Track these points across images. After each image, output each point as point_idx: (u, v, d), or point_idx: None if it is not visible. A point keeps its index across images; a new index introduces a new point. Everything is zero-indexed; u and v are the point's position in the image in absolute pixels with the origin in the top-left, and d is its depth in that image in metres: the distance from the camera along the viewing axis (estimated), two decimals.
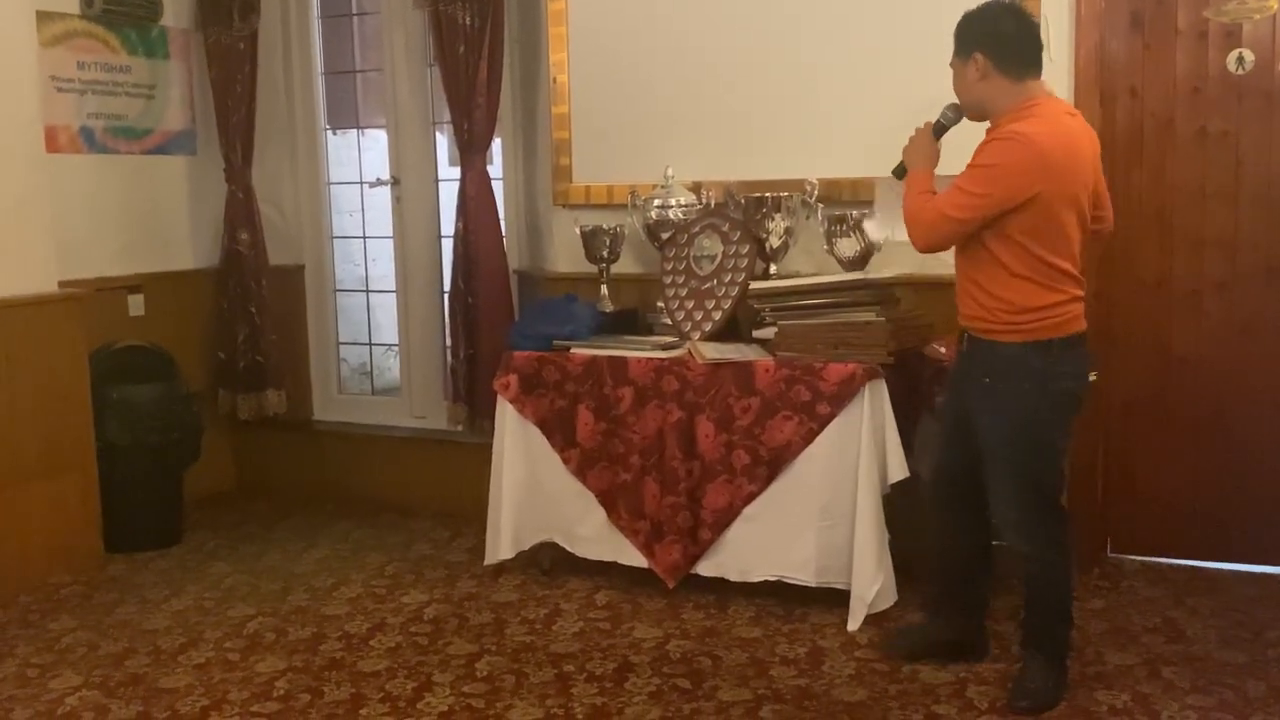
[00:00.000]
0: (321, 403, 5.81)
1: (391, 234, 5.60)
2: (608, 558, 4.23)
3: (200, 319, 5.56)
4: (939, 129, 3.37)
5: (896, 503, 3.85)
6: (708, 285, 4.25)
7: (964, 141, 3.28)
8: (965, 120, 3.34)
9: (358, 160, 5.92)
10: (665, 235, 4.43)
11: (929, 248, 3.26)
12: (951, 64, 3.26)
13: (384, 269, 5.83)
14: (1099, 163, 3.30)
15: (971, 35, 3.20)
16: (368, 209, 5.89)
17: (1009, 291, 3.16)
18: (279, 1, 5.55)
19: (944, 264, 3.50)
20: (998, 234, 3.13)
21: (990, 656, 3.56)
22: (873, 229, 4.08)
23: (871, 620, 3.80)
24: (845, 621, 3.83)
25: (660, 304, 4.39)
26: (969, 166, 3.14)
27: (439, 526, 5.08)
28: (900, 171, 3.45)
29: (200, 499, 5.35)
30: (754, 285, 4.14)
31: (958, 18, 3.29)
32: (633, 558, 4.16)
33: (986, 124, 3.27)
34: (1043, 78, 3.25)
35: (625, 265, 4.67)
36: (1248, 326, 4.20)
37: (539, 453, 4.29)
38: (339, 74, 5.90)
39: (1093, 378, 3.30)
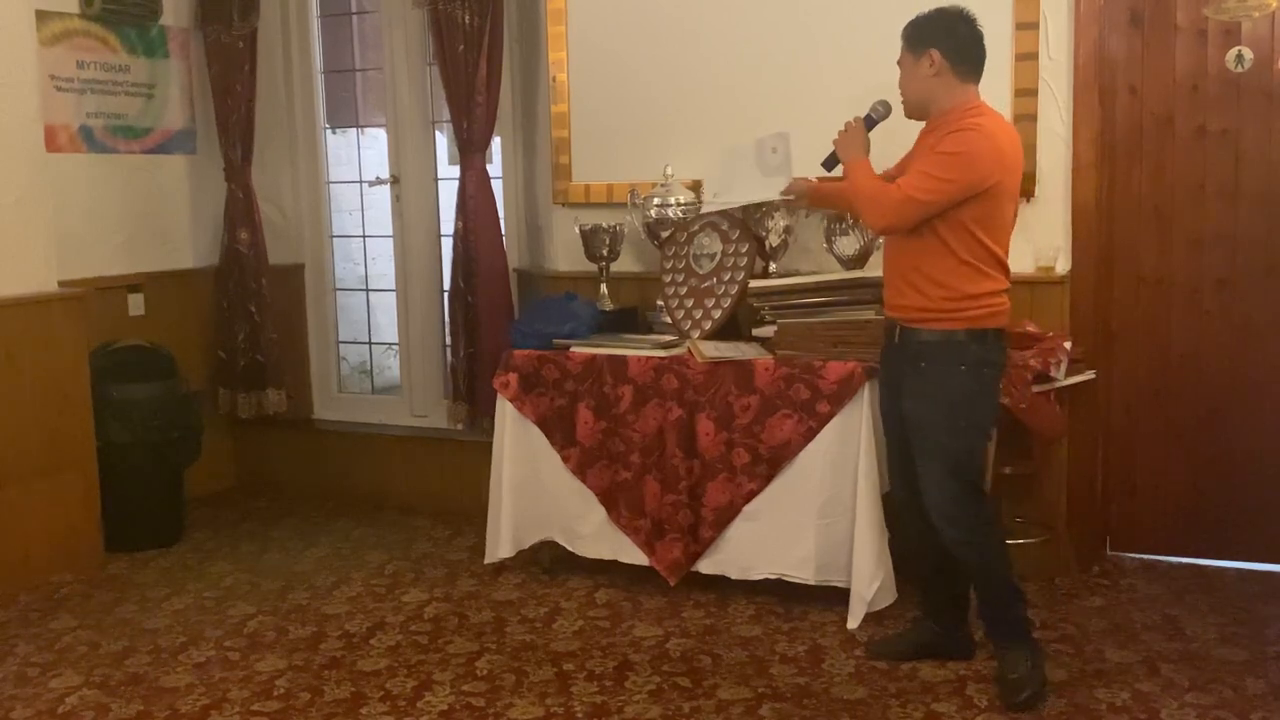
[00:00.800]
0: (321, 401, 5.81)
1: (391, 233, 5.60)
2: (608, 556, 4.23)
3: (200, 318, 5.56)
4: (869, 122, 3.54)
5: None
6: (707, 284, 4.25)
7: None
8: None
9: (357, 159, 5.92)
10: (665, 234, 4.43)
11: (888, 229, 3.37)
12: (900, 60, 3.39)
13: (384, 268, 5.83)
14: None
15: (928, 33, 3.33)
16: (367, 208, 5.89)
17: (954, 278, 3.27)
18: (279, 0, 5.55)
19: None
20: (949, 221, 3.24)
21: (979, 657, 3.56)
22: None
23: (871, 618, 3.80)
24: (845, 619, 3.84)
25: (660, 302, 4.39)
26: (934, 153, 3.24)
27: (439, 525, 5.08)
28: (831, 162, 3.60)
29: (200, 498, 5.35)
30: (753, 284, 4.14)
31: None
32: (633, 556, 4.17)
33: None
34: (981, 82, 3.37)
35: (625, 264, 4.67)
36: (1247, 324, 4.20)
37: (539, 451, 4.29)
38: (339, 73, 5.90)
39: None
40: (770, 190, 4.05)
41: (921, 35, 3.33)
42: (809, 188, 3.91)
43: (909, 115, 3.43)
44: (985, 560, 3.36)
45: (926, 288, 3.30)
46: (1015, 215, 3.40)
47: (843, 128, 3.53)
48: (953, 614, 3.58)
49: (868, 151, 3.48)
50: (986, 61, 3.36)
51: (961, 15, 3.34)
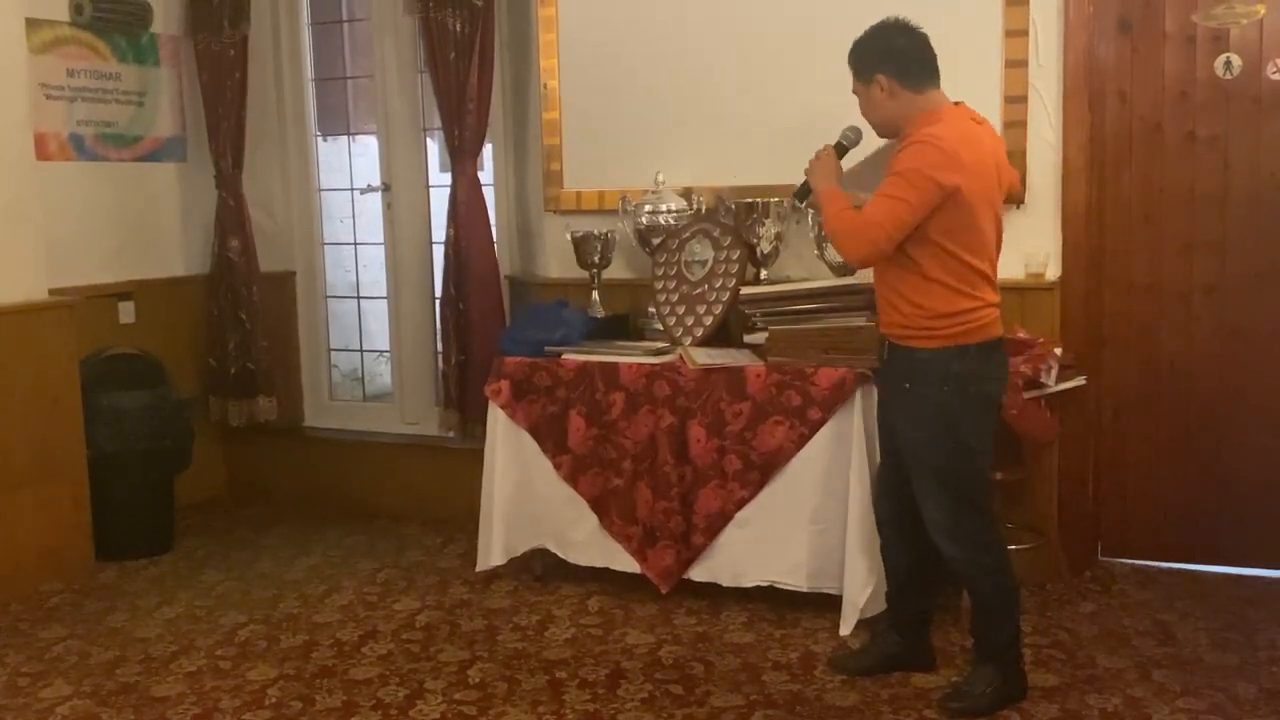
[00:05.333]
0: (313, 409, 5.80)
1: (382, 240, 5.59)
2: (600, 563, 4.23)
3: (191, 326, 5.55)
4: (840, 150, 3.51)
5: None
6: (699, 290, 4.25)
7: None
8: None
9: (348, 166, 5.91)
10: (656, 240, 4.44)
11: (864, 261, 3.32)
12: (855, 90, 3.36)
13: (375, 275, 5.82)
14: (1005, 160, 3.41)
15: (869, 58, 3.29)
16: (359, 215, 5.88)
17: (925, 297, 3.22)
18: (269, 8, 5.54)
19: None
20: (917, 238, 3.19)
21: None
22: None
23: (864, 625, 3.80)
24: (837, 626, 3.84)
25: (651, 309, 4.39)
26: (889, 174, 3.19)
27: (431, 533, 5.07)
28: (803, 193, 3.58)
29: (191, 506, 5.34)
30: (745, 290, 4.14)
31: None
32: (625, 563, 4.16)
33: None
34: (942, 87, 3.33)
35: (616, 271, 4.67)
36: (1237, 330, 4.21)
37: (531, 459, 4.29)
38: (329, 80, 5.89)
39: None
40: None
41: (863, 62, 3.30)
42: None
43: (882, 136, 3.41)
44: (978, 577, 3.32)
45: (903, 306, 3.26)
46: (999, 224, 3.30)
47: (814, 156, 3.50)
48: (917, 628, 3.57)
49: (840, 179, 3.45)
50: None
51: (896, 27, 3.29)
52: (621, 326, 4.50)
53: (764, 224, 4.27)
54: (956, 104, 3.32)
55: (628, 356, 4.15)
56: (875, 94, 3.28)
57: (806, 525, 3.87)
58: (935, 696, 3.38)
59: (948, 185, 3.13)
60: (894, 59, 3.25)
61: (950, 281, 3.19)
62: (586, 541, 4.23)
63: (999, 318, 3.30)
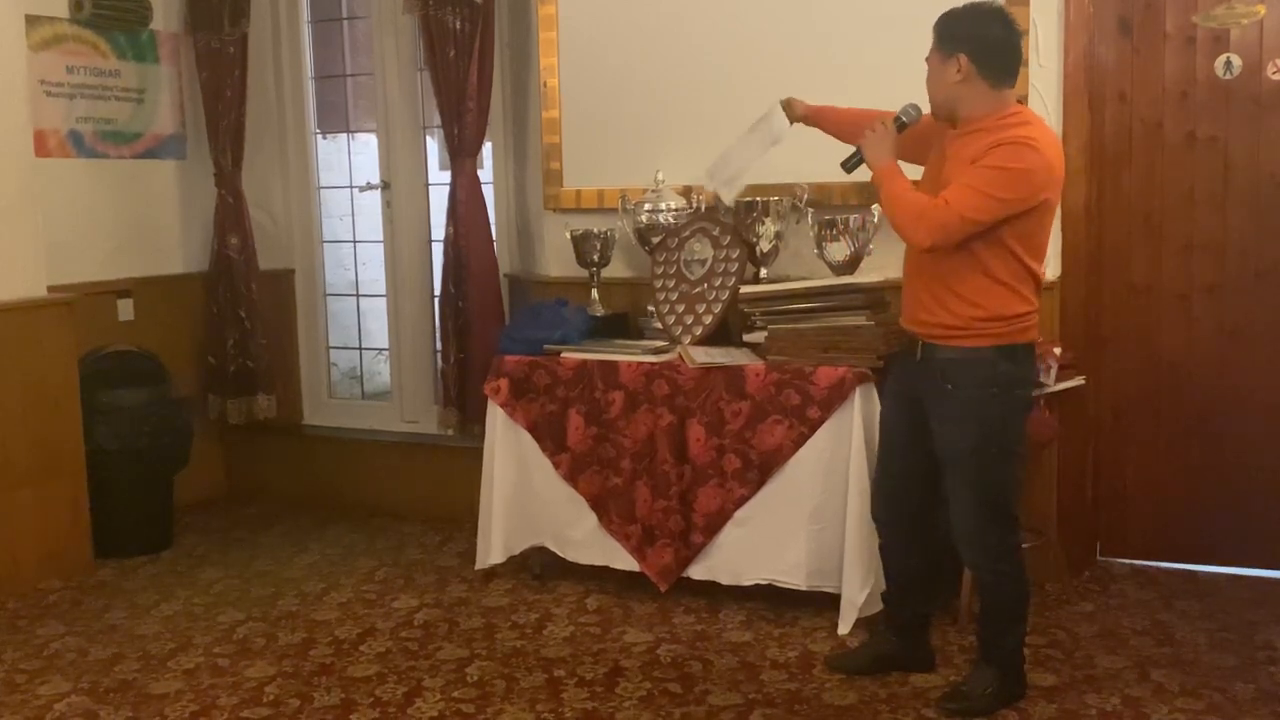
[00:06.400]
0: (312, 407, 5.80)
1: (382, 238, 5.59)
2: (598, 562, 4.23)
3: (190, 324, 5.54)
4: (900, 125, 3.33)
5: None
6: (698, 289, 4.25)
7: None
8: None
9: (348, 164, 5.91)
10: (656, 239, 4.43)
11: (935, 247, 3.14)
12: (929, 59, 3.22)
13: (374, 273, 5.82)
14: None
15: (958, 34, 3.15)
16: (358, 213, 5.88)
17: (988, 298, 3.13)
18: (269, 6, 5.54)
19: None
20: (989, 239, 3.10)
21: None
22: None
23: (862, 624, 3.80)
24: (836, 625, 3.83)
25: (651, 308, 4.39)
26: (984, 167, 3.05)
27: (430, 531, 5.07)
28: (853, 163, 3.37)
29: (190, 504, 5.33)
30: (744, 289, 4.14)
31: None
32: (624, 562, 4.16)
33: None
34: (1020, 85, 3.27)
35: (616, 269, 4.67)
36: (1236, 330, 4.21)
37: (530, 457, 4.29)
38: (329, 78, 5.89)
39: None
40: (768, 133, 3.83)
41: (951, 36, 3.14)
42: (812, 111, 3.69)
43: (935, 117, 3.26)
44: (998, 586, 3.28)
45: (956, 305, 3.15)
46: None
47: (871, 129, 3.30)
48: (916, 629, 3.56)
49: (897, 156, 3.29)
50: (1020, 65, 3.18)
51: (997, 15, 3.16)
52: (621, 325, 4.50)
53: (763, 223, 4.26)
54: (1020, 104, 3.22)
55: (627, 355, 4.15)
56: (950, 71, 3.13)
57: (805, 524, 3.87)
58: (934, 696, 3.37)
59: (1039, 197, 3.07)
60: (982, 45, 3.11)
61: (1013, 284, 3.13)
62: (585, 540, 4.23)
63: (1039, 321, 3.26)
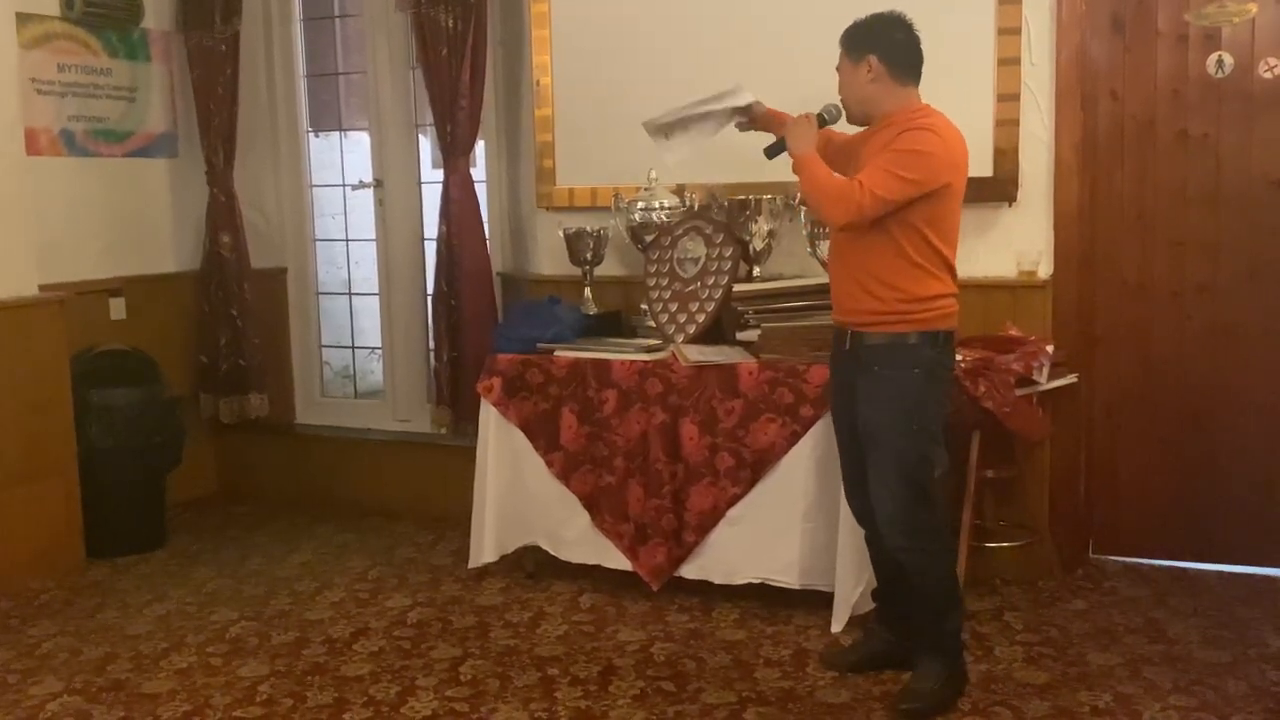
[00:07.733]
0: (304, 406, 5.79)
1: (374, 237, 5.58)
2: (592, 561, 4.22)
3: (182, 322, 5.53)
4: (820, 121, 3.52)
5: None
6: (691, 288, 4.25)
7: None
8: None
9: (340, 163, 5.90)
10: (649, 238, 4.43)
11: (850, 225, 3.30)
12: (839, 69, 3.42)
13: (367, 272, 5.82)
14: None
15: (865, 40, 3.36)
16: (350, 211, 5.88)
17: (906, 280, 3.27)
18: (261, 4, 5.53)
19: None
20: (902, 221, 3.25)
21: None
22: None
23: (855, 622, 3.80)
24: (829, 623, 3.83)
25: (644, 306, 4.39)
26: (893, 151, 3.23)
27: (422, 530, 5.06)
28: (774, 151, 3.53)
29: (182, 503, 5.33)
30: (737, 288, 4.14)
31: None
32: (617, 561, 4.16)
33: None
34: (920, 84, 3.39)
35: (609, 268, 4.67)
36: (1229, 328, 4.22)
37: (523, 456, 4.28)
38: (321, 76, 5.88)
39: None
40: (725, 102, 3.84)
41: (859, 41, 3.37)
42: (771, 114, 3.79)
43: (851, 120, 3.47)
44: (927, 567, 3.34)
45: (878, 290, 3.29)
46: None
47: (792, 121, 3.50)
48: (908, 624, 3.55)
49: (817, 147, 3.45)
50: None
51: (898, 21, 3.38)
52: (614, 324, 4.50)
53: (756, 221, 4.26)
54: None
55: (620, 354, 4.15)
56: (861, 74, 3.35)
57: (798, 523, 3.87)
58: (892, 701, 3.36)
59: (942, 179, 3.24)
60: (889, 47, 3.34)
61: (927, 266, 3.28)
62: (578, 539, 4.23)
63: (957, 309, 3.37)
